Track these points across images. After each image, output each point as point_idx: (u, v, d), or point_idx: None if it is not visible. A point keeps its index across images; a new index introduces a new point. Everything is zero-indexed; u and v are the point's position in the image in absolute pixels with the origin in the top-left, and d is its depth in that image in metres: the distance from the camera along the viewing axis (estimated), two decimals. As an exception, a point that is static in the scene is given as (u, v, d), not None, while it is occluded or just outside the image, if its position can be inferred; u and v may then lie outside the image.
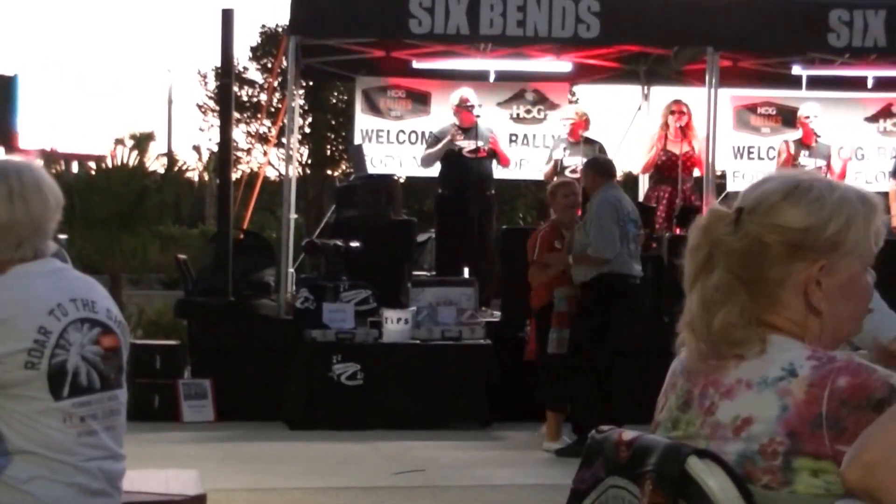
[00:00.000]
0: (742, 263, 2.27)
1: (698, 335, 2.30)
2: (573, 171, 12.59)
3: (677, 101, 12.99)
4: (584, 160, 12.45)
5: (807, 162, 12.80)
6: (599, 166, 10.06)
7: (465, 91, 12.87)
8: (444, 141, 12.59)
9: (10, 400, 3.11)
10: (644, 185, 14.49)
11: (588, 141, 12.92)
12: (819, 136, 12.90)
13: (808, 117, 12.94)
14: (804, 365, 2.19)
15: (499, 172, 13.25)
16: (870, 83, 13.86)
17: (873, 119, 14.09)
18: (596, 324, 9.49)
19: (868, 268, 2.34)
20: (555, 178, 12.70)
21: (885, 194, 13.04)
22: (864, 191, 2.35)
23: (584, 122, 13.00)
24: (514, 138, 13.92)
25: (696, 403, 2.30)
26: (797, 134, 13.14)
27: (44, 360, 3.10)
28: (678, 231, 12.02)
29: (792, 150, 12.90)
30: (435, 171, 12.93)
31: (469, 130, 12.65)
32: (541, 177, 13.37)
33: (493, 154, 12.91)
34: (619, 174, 17.37)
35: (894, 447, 1.99)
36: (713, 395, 2.27)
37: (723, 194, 13.58)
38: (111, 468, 3.21)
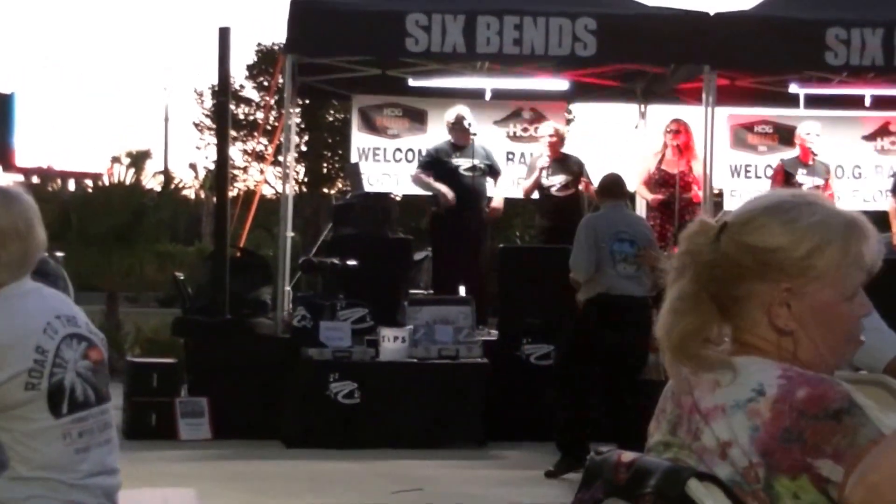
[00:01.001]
0: (709, 276, 2.26)
1: (660, 342, 2.29)
2: (558, 190, 12.64)
3: (676, 120, 12.98)
4: (565, 178, 12.49)
5: (805, 180, 12.78)
6: (599, 184, 10.09)
7: (461, 109, 12.85)
8: (440, 190, 12.51)
9: (10, 420, 3.12)
10: (641, 204, 14.48)
11: (566, 158, 12.90)
12: (817, 155, 12.87)
13: (808, 134, 12.91)
14: (773, 384, 2.18)
15: (495, 191, 13.20)
16: (867, 101, 13.81)
17: (871, 138, 14.07)
18: (580, 343, 9.45)
19: (853, 298, 2.28)
20: (535, 194, 12.80)
21: (884, 213, 13.05)
22: (854, 216, 2.29)
23: (560, 140, 12.98)
24: (510, 157, 13.91)
25: (685, 428, 2.29)
26: (794, 152, 13.13)
27: (44, 380, 3.11)
28: (676, 250, 11.95)
29: (788, 170, 12.88)
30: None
31: (464, 149, 12.64)
32: (536, 195, 13.26)
33: (489, 171, 12.89)
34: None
35: None
36: (697, 420, 2.26)
37: (720, 213, 13.57)
38: (107, 483, 3.21)
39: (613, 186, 10.03)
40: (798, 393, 2.13)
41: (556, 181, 12.81)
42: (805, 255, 2.23)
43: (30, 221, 3.23)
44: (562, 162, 12.86)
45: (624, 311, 9.44)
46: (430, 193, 12.91)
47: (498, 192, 13.08)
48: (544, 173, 12.85)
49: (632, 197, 12.87)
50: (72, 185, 19.59)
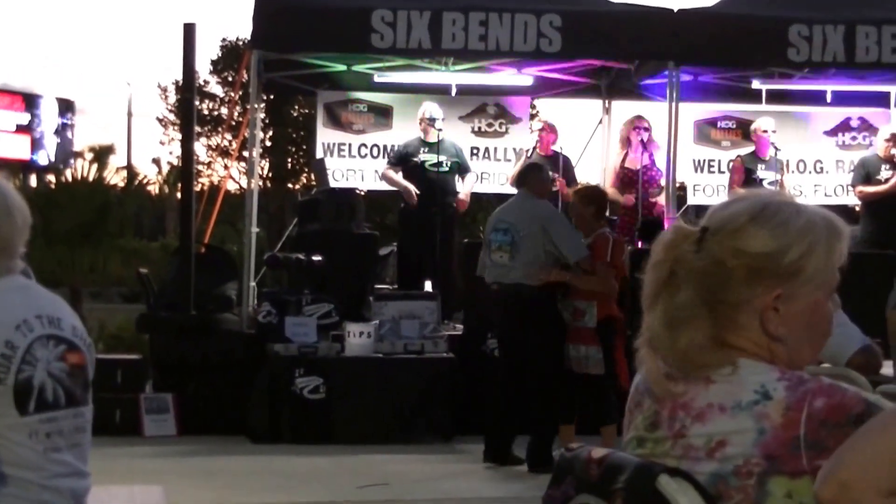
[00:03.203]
0: (703, 284, 2.25)
1: (662, 354, 2.28)
2: None
3: (639, 117, 13.05)
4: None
5: (763, 175, 12.86)
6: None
7: (431, 106, 12.88)
8: (405, 187, 12.55)
9: None
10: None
11: (556, 156, 12.96)
12: (779, 150, 12.94)
13: (765, 131, 12.98)
14: (777, 387, 2.19)
15: (461, 186, 13.20)
16: (829, 97, 13.92)
17: (832, 133, 14.13)
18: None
19: (832, 294, 2.32)
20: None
21: (844, 207, 13.16)
22: (831, 216, 2.32)
23: (554, 134, 13.02)
24: (475, 152, 13.91)
25: (665, 426, 2.29)
26: (751, 148, 13.20)
27: (10, 375, 3.07)
28: (640, 245, 12.04)
29: (747, 165, 12.95)
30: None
31: (433, 145, 12.65)
32: (503, 190, 13.31)
33: (457, 168, 12.92)
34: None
35: (869, 465, 1.99)
36: (683, 418, 2.26)
37: (683, 207, 13.67)
38: (77, 486, 3.18)
39: (520, 175, 10.01)
40: (815, 403, 2.15)
41: None
42: (796, 259, 2.24)
43: (7, 209, 3.19)
44: (551, 159, 12.83)
45: (495, 299, 9.53)
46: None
47: (464, 187, 13.09)
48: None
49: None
50: (33, 181, 19.50)
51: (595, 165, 13.82)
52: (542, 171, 10.10)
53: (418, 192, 12.53)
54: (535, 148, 12.96)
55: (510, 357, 9.46)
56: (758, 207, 2.28)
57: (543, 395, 9.28)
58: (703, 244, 2.26)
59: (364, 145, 13.91)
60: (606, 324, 9.19)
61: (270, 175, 32.43)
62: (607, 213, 12.67)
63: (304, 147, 30.25)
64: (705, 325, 2.25)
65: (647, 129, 12.87)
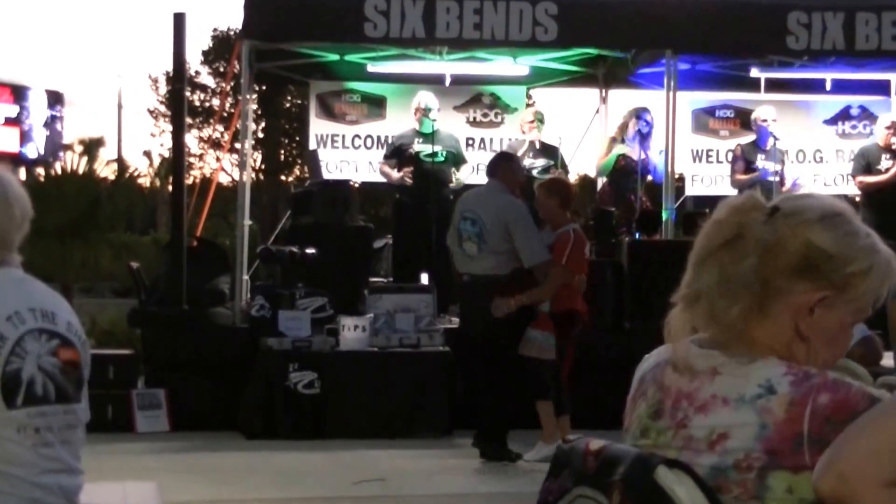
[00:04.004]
0: (759, 257, 2.25)
1: (714, 318, 2.25)
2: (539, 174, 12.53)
3: (645, 109, 12.96)
4: (546, 162, 12.42)
5: (763, 165, 12.76)
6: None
7: (426, 95, 12.80)
8: (401, 178, 12.45)
9: None
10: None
11: (547, 147, 12.82)
12: (778, 140, 12.84)
13: (765, 121, 12.89)
14: (782, 381, 2.18)
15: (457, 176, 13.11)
16: (828, 86, 13.86)
17: (832, 122, 14.09)
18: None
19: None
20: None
21: (844, 197, 13.06)
22: (892, 255, 2.32)
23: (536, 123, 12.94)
24: (470, 142, 13.84)
25: (668, 415, 2.29)
26: (751, 137, 13.09)
27: None
28: (638, 236, 11.96)
29: (746, 155, 12.86)
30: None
31: (429, 135, 12.54)
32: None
33: (453, 159, 12.79)
34: (574, 177, 17.48)
35: (868, 456, 1.98)
36: (686, 408, 2.26)
37: (681, 198, 13.60)
38: (68, 483, 3.15)
39: (491, 164, 9.97)
40: (820, 399, 2.15)
41: (538, 164, 12.69)
42: (854, 273, 2.25)
43: (6, 201, 3.18)
44: (544, 148, 12.73)
45: (463, 289, 9.62)
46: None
47: (460, 178, 13.00)
48: (528, 155, 12.72)
49: (593, 182, 12.79)
50: (22, 175, 19.44)
51: (592, 154, 13.69)
52: (513, 161, 10.08)
53: (411, 182, 12.43)
54: (531, 141, 12.82)
55: (482, 349, 9.46)
56: (832, 211, 2.29)
57: (503, 384, 9.33)
58: (771, 220, 2.26)
59: (358, 136, 13.86)
60: (568, 317, 9.24)
61: (263, 167, 32.34)
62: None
63: (297, 139, 30.19)
64: (753, 299, 2.25)
65: (649, 124, 12.72)
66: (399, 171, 12.63)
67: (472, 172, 13.46)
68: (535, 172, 12.54)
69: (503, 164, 9.79)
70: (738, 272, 2.25)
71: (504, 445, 9.37)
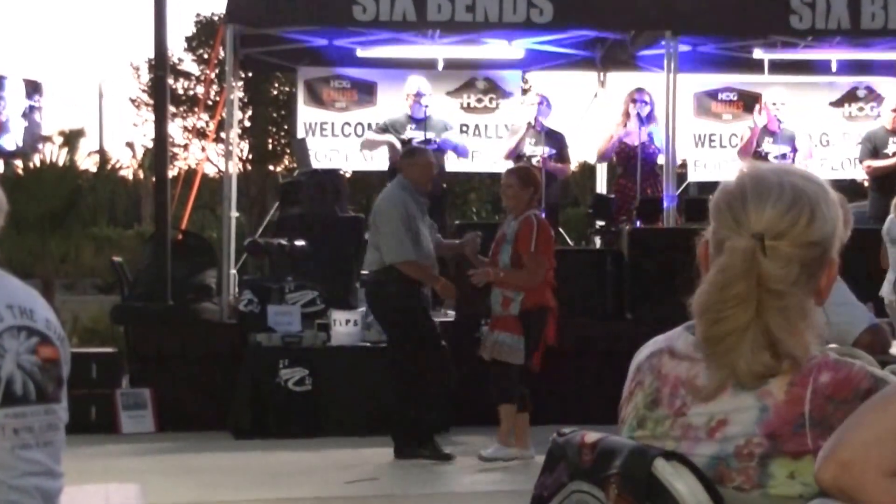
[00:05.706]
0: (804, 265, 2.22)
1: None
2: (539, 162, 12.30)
3: (640, 89, 12.64)
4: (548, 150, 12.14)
5: (771, 149, 12.53)
6: None
7: (419, 80, 12.59)
8: (389, 142, 12.18)
9: None
10: (602, 175, 14.15)
11: (551, 133, 12.49)
12: (782, 122, 12.55)
13: (774, 104, 12.62)
14: (781, 362, 2.16)
15: (451, 165, 12.98)
16: (834, 66, 13.69)
17: (838, 104, 13.87)
18: None
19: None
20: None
21: (852, 181, 12.83)
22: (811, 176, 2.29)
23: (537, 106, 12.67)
24: (464, 129, 13.63)
25: (666, 403, 2.27)
26: (762, 120, 12.77)
27: None
28: (640, 224, 11.75)
29: (756, 136, 12.55)
30: (384, 164, 12.61)
31: (422, 121, 12.32)
32: (494, 169, 13.03)
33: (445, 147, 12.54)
34: (574, 164, 17.27)
35: (870, 445, 1.96)
36: (684, 395, 2.24)
37: (683, 184, 13.34)
38: (47, 486, 3.02)
39: (398, 160, 10.00)
40: (821, 378, 2.14)
41: (538, 151, 12.36)
42: (840, 231, 2.27)
43: None
44: (548, 135, 12.46)
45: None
46: (378, 146, 12.57)
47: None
48: (528, 141, 12.38)
49: (592, 168, 12.55)
50: (0, 167, 19.33)
51: (591, 139, 13.45)
52: (416, 155, 9.77)
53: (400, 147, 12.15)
54: (532, 124, 12.46)
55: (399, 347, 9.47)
56: (799, 203, 2.20)
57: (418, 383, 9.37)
58: (770, 250, 2.19)
59: (347, 124, 13.71)
60: (538, 313, 9.01)
61: (250, 157, 32.18)
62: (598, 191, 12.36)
63: (285, 127, 30.07)
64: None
65: (648, 104, 12.39)
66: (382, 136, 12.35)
67: (468, 160, 13.22)
68: (534, 161, 12.22)
69: (403, 160, 9.72)
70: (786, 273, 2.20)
71: (426, 445, 9.29)
